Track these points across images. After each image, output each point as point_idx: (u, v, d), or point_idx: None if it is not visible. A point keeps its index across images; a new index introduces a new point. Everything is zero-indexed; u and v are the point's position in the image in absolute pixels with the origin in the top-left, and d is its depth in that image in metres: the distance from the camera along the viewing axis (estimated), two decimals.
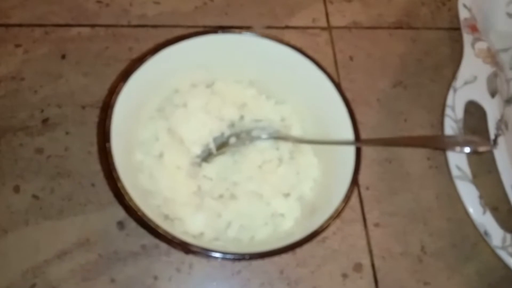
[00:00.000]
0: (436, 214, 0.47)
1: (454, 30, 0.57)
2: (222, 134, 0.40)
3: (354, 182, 0.34)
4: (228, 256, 0.31)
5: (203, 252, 0.31)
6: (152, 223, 0.31)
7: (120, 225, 0.42)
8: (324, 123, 0.39)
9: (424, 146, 0.46)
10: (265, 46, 0.40)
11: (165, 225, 0.32)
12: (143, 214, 0.31)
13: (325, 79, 0.38)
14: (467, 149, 0.30)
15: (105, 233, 0.41)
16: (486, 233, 0.43)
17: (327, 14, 0.56)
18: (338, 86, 0.38)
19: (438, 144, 0.38)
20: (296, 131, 0.41)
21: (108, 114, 0.32)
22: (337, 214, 0.32)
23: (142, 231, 0.41)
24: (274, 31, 0.53)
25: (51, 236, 0.41)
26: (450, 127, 0.46)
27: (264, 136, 0.40)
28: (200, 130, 0.39)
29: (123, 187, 0.31)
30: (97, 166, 0.44)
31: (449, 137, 0.40)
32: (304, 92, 0.40)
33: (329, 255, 0.43)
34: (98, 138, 0.44)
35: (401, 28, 0.57)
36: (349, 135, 0.36)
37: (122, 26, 0.51)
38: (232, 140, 0.40)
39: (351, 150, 0.35)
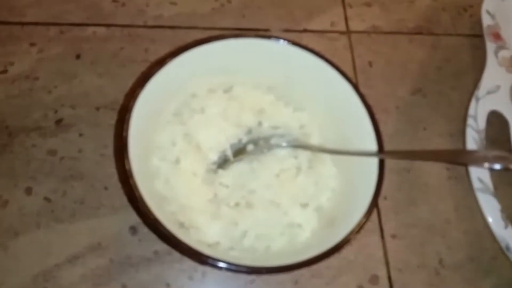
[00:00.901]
0: (455, 226, 0.46)
1: (476, 37, 0.56)
2: (240, 140, 0.40)
3: (377, 195, 0.33)
4: (242, 269, 0.30)
5: (217, 264, 0.30)
6: (166, 231, 0.30)
7: (133, 230, 0.41)
8: (345, 131, 0.38)
9: (450, 162, 0.45)
10: (285, 51, 0.39)
11: (180, 233, 0.31)
12: (159, 222, 0.30)
13: (346, 85, 0.37)
14: (497, 166, 0.29)
15: (117, 237, 0.41)
16: (507, 248, 0.42)
17: (346, 18, 0.55)
18: (360, 93, 0.37)
19: (465, 159, 0.37)
20: (315, 139, 0.40)
21: (126, 118, 0.31)
22: (358, 229, 0.31)
23: (154, 237, 0.41)
24: (292, 35, 0.52)
25: (63, 240, 0.40)
26: (472, 138, 0.45)
27: (283, 144, 0.39)
28: (217, 136, 0.38)
29: (139, 192, 0.30)
30: (110, 169, 0.43)
31: (476, 152, 0.39)
32: (324, 98, 0.39)
33: (345, 266, 0.42)
34: (115, 141, 0.44)
35: (421, 33, 0.56)
36: (372, 145, 0.35)
37: (138, 26, 0.50)
38: (250, 147, 0.39)
39: (373, 161, 0.34)
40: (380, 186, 0.33)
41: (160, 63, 0.34)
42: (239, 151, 0.39)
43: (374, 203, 0.33)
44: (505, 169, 0.28)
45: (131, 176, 0.30)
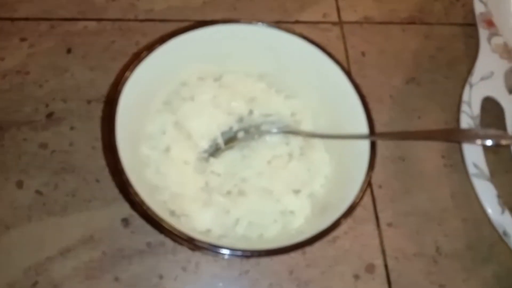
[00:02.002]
0: (452, 213, 0.45)
1: (468, 26, 0.55)
2: (231, 128, 0.39)
3: (368, 179, 0.33)
4: (235, 253, 0.30)
5: (210, 249, 0.29)
6: (157, 217, 0.30)
7: (125, 222, 0.41)
8: (337, 117, 0.38)
9: (442, 140, 0.44)
10: (276, 37, 0.39)
11: (171, 221, 0.31)
12: (148, 208, 0.29)
13: (338, 71, 0.37)
14: (489, 142, 0.28)
15: (109, 230, 0.40)
16: (505, 233, 0.41)
17: (338, 9, 0.55)
18: (351, 79, 0.37)
19: (457, 137, 0.36)
20: (307, 126, 0.40)
21: (113, 106, 0.31)
22: (349, 212, 0.31)
23: (147, 228, 0.40)
24: (284, 26, 0.51)
25: (55, 233, 0.40)
26: (467, 124, 0.45)
27: (274, 130, 0.39)
28: (208, 124, 0.38)
29: (128, 181, 0.30)
30: (102, 162, 0.43)
31: (468, 130, 0.38)
32: (316, 85, 0.39)
33: (341, 256, 0.42)
34: (103, 131, 0.43)
35: (414, 23, 0.56)
36: (363, 129, 0.35)
37: (129, 20, 0.50)
38: (241, 134, 0.39)
39: (365, 146, 0.34)
40: (371, 169, 0.33)
41: (148, 49, 0.33)
42: (230, 139, 0.39)
43: (365, 186, 0.32)
44: (496, 146, 0.28)
45: (121, 165, 0.30)
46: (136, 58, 0.33)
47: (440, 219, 0.45)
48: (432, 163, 0.47)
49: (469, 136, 0.32)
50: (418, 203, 0.45)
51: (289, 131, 0.39)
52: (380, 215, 0.44)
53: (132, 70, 0.32)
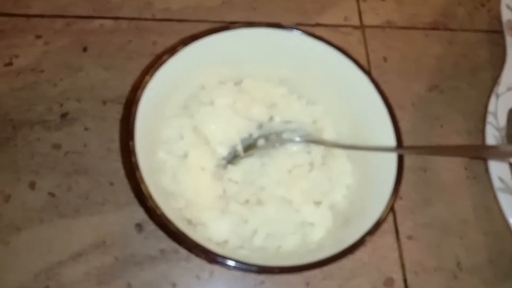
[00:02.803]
0: (473, 227, 0.44)
1: (494, 32, 0.54)
2: (250, 135, 0.38)
3: (395, 193, 0.31)
4: (252, 269, 0.29)
5: (227, 263, 0.28)
6: (174, 227, 0.29)
7: (139, 227, 0.40)
8: (361, 126, 0.37)
9: (470, 156, 0.43)
10: (299, 41, 0.37)
11: (187, 230, 0.30)
12: (167, 218, 0.28)
13: (363, 77, 0.36)
14: None
15: (122, 235, 0.39)
16: None
17: (359, 12, 0.53)
18: (377, 86, 0.35)
19: (485, 154, 0.35)
20: (329, 134, 0.39)
21: (132, 111, 0.30)
22: (375, 230, 0.30)
23: (161, 234, 0.39)
24: (303, 29, 0.50)
25: (66, 236, 0.39)
26: (492, 135, 0.43)
27: (296, 139, 0.37)
28: (227, 130, 0.37)
29: (146, 188, 0.29)
30: (116, 164, 0.42)
31: (496, 147, 0.37)
32: (338, 92, 0.38)
33: (358, 268, 0.40)
34: (121, 134, 0.42)
35: (437, 29, 0.54)
36: (390, 140, 0.34)
37: (146, 19, 0.49)
38: (261, 142, 0.38)
39: (391, 158, 0.33)
40: (398, 183, 0.32)
41: (169, 53, 0.32)
42: (250, 146, 0.38)
43: (392, 202, 0.31)
44: None
45: (138, 170, 0.29)
46: (157, 61, 0.32)
47: (461, 232, 0.44)
48: (454, 174, 0.46)
49: (498, 153, 0.31)
50: (439, 215, 0.44)
51: (312, 141, 0.37)
52: (400, 227, 0.43)
53: (152, 74, 0.31)
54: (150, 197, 0.30)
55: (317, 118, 0.39)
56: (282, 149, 0.37)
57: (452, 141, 0.47)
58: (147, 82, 0.31)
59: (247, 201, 0.35)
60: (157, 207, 0.29)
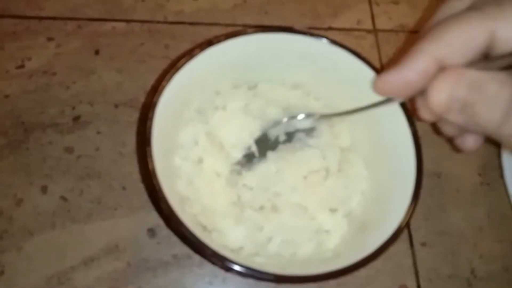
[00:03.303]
0: (488, 234, 0.43)
1: None
2: (264, 134, 0.37)
3: (415, 200, 0.31)
4: (269, 277, 0.28)
5: (245, 272, 0.28)
6: (191, 234, 0.29)
7: (151, 232, 0.39)
8: (377, 130, 0.36)
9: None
10: (313, 46, 0.37)
11: (203, 237, 0.29)
12: (183, 225, 0.28)
13: None
14: None
15: (135, 240, 0.39)
16: None
17: (372, 16, 0.53)
18: None
19: None
20: (345, 139, 0.38)
21: (149, 116, 0.29)
22: (395, 237, 0.29)
23: (173, 239, 0.39)
24: (316, 32, 0.50)
25: (78, 241, 0.39)
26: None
27: (303, 117, 0.36)
28: (240, 132, 0.36)
29: (162, 193, 0.29)
30: (128, 168, 0.41)
31: None
32: (354, 96, 0.37)
33: (372, 276, 0.40)
34: (137, 139, 0.42)
35: None
36: (407, 144, 0.33)
37: (158, 22, 0.49)
38: (275, 137, 0.37)
39: (410, 163, 0.32)
40: (418, 190, 0.31)
41: (186, 57, 0.32)
42: (264, 146, 0.37)
43: (412, 209, 0.31)
44: None
45: (155, 176, 0.28)
46: (174, 65, 0.32)
47: (476, 240, 0.43)
48: (468, 180, 0.45)
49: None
50: (453, 222, 0.43)
51: (322, 115, 0.36)
52: (414, 234, 0.42)
53: (169, 79, 0.31)
54: (167, 203, 0.29)
55: (333, 123, 0.39)
56: (297, 154, 0.36)
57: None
58: (164, 87, 0.31)
59: (262, 208, 0.35)
60: (174, 213, 0.29)
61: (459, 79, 0.25)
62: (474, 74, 0.25)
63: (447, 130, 0.31)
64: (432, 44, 0.26)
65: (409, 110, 0.35)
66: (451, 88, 0.25)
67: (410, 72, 0.27)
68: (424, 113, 0.29)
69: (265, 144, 0.37)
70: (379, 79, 0.29)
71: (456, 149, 0.35)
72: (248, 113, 0.38)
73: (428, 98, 0.26)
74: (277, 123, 0.38)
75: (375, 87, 0.30)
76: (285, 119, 0.38)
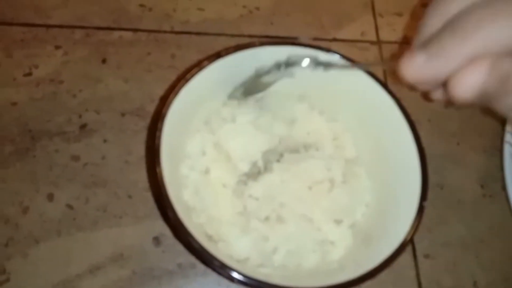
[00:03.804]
0: (490, 245, 0.44)
1: None
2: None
3: (420, 213, 0.31)
4: None
5: (253, 284, 0.28)
6: (198, 245, 0.29)
7: (156, 241, 0.40)
8: (382, 143, 0.37)
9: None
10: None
11: (209, 246, 0.30)
12: (190, 235, 0.28)
13: (385, 95, 0.36)
14: None
15: (140, 248, 0.39)
16: None
17: (376, 28, 0.53)
18: (400, 104, 0.35)
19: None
20: (349, 151, 0.39)
21: (158, 127, 0.30)
22: (401, 250, 0.29)
23: (178, 248, 0.39)
24: (321, 43, 0.50)
25: (84, 249, 0.39)
26: (510, 155, 0.43)
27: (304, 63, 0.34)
28: (248, 145, 0.37)
29: (170, 203, 0.29)
30: (134, 177, 0.42)
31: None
32: (358, 107, 0.38)
33: (375, 286, 0.40)
34: (146, 149, 0.42)
35: None
36: (412, 155, 0.33)
37: (165, 32, 0.49)
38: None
39: (415, 176, 0.32)
40: (424, 199, 0.31)
41: (195, 68, 0.32)
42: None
43: (418, 222, 0.31)
44: None
45: (163, 185, 0.29)
46: (183, 77, 0.32)
47: (478, 251, 0.43)
48: (470, 192, 0.46)
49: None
50: (456, 233, 0.44)
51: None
52: (417, 245, 0.43)
53: (177, 92, 0.31)
54: (174, 212, 0.29)
55: (337, 135, 0.39)
56: (303, 165, 0.37)
57: (469, 159, 0.47)
58: (173, 98, 0.31)
59: (267, 218, 0.35)
60: (181, 223, 0.29)
61: (490, 68, 0.25)
62: (506, 64, 0.25)
63: (423, 88, 0.30)
64: (471, 36, 0.26)
65: (412, 120, 0.35)
66: (481, 77, 0.25)
67: (446, 63, 0.26)
68: (438, 95, 0.29)
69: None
70: (410, 64, 0.28)
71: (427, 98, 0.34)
72: (257, 127, 0.38)
73: (454, 85, 0.26)
74: (282, 141, 0.38)
75: (404, 70, 0.28)
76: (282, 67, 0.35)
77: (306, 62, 0.33)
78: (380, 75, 0.50)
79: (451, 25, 0.26)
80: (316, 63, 0.33)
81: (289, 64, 0.34)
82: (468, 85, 0.25)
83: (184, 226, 0.29)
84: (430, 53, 0.26)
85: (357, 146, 0.39)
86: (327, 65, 0.33)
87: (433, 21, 0.27)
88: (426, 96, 0.33)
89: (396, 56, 0.31)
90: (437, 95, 0.29)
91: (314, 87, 0.39)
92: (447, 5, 0.27)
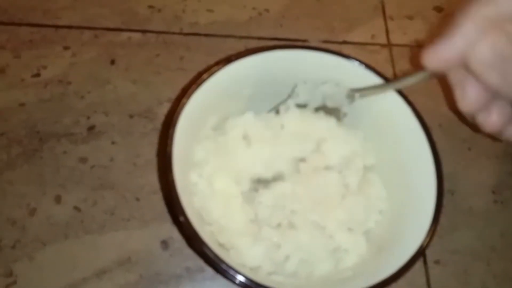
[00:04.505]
0: (501, 253, 0.43)
1: None
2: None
3: (436, 221, 0.31)
4: None
5: None
6: (211, 252, 0.28)
7: (164, 244, 0.39)
8: (397, 151, 0.36)
9: None
10: (330, 62, 0.37)
11: (221, 253, 0.29)
12: (204, 243, 0.28)
13: (400, 101, 0.35)
14: None
15: (147, 252, 0.39)
16: None
17: (387, 31, 0.53)
18: (416, 111, 0.35)
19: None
20: (370, 159, 0.38)
21: (170, 133, 0.29)
22: (415, 260, 0.29)
23: (186, 252, 0.39)
24: (331, 46, 0.50)
25: (91, 252, 0.38)
26: None
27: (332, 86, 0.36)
28: (257, 154, 0.36)
29: (182, 209, 0.28)
30: (142, 180, 0.41)
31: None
32: (376, 116, 0.37)
33: None
34: (158, 155, 0.42)
35: None
36: (428, 162, 0.33)
37: (174, 33, 0.49)
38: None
39: (430, 183, 0.32)
40: (439, 210, 0.31)
41: (207, 73, 0.32)
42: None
43: (433, 230, 0.31)
44: None
45: (175, 192, 0.28)
46: (195, 81, 0.32)
47: (489, 259, 0.43)
48: (481, 198, 0.45)
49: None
50: (467, 240, 0.43)
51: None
52: (427, 251, 0.42)
53: (189, 96, 0.31)
54: (189, 222, 0.29)
55: (356, 144, 0.38)
56: (315, 173, 0.36)
57: (479, 165, 0.47)
58: (184, 104, 0.31)
59: (279, 225, 0.35)
60: (195, 231, 0.29)
61: (500, 32, 0.25)
62: None
63: (474, 101, 0.31)
64: (482, 7, 0.26)
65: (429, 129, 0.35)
66: (493, 41, 0.26)
67: (462, 39, 0.27)
68: (463, 103, 0.31)
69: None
70: (432, 51, 0.29)
71: (477, 130, 0.34)
72: (272, 144, 0.37)
73: (473, 58, 0.27)
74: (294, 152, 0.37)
75: (426, 60, 0.30)
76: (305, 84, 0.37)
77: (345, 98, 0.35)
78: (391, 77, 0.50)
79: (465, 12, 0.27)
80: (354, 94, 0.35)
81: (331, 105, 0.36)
82: (486, 53, 0.26)
83: (198, 235, 0.28)
84: (447, 35, 0.27)
85: (377, 155, 0.38)
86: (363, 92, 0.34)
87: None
88: (474, 127, 0.34)
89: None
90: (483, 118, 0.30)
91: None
92: None
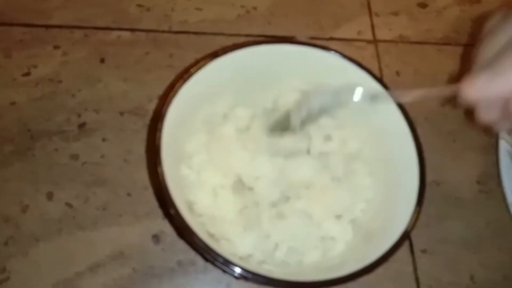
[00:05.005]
0: (487, 242, 0.44)
1: None
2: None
3: (418, 209, 0.32)
4: (282, 285, 0.29)
5: (255, 279, 0.28)
6: (202, 242, 0.29)
7: (156, 238, 0.40)
8: (382, 141, 0.37)
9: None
10: (320, 57, 0.38)
11: (211, 244, 0.30)
12: (194, 233, 0.29)
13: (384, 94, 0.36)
14: None
15: (140, 246, 0.39)
16: None
17: (372, 27, 0.54)
18: (400, 104, 0.36)
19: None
20: (352, 146, 0.39)
21: (158, 127, 0.30)
22: (399, 244, 0.30)
23: (178, 245, 0.40)
24: (318, 42, 0.51)
25: (84, 248, 0.39)
26: (506, 151, 0.44)
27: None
28: (246, 146, 0.37)
29: (172, 201, 0.29)
30: (134, 175, 0.42)
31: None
32: (360, 106, 0.38)
33: (373, 282, 0.40)
34: (147, 149, 0.43)
35: (449, 44, 0.55)
36: (412, 156, 0.34)
37: (163, 31, 0.49)
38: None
39: (413, 172, 0.33)
40: (421, 199, 0.32)
41: (194, 67, 0.33)
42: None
43: (415, 218, 0.31)
44: None
45: (165, 184, 0.29)
46: (182, 76, 0.32)
47: (476, 248, 0.44)
48: (467, 188, 0.46)
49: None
50: (453, 229, 0.44)
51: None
52: (414, 241, 0.43)
53: (177, 90, 0.32)
54: (178, 213, 0.30)
55: (345, 137, 0.39)
56: (302, 163, 0.37)
57: (466, 156, 0.48)
58: (171, 98, 0.31)
59: (268, 215, 0.35)
60: (185, 222, 0.29)
61: None
62: None
63: (496, 117, 0.32)
64: None
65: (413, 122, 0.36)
66: None
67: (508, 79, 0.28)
68: (485, 119, 0.32)
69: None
70: (473, 85, 0.29)
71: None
72: (254, 128, 0.38)
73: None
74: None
75: (465, 91, 0.30)
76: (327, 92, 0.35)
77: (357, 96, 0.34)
78: (376, 73, 0.51)
79: (509, 48, 0.28)
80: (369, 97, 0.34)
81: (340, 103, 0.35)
82: None
83: (188, 226, 0.29)
84: (492, 72, 0.28)
85: (357, 143, 0.39)
86: (375, 98, 0.34)
87: (487, 50, 0.30)
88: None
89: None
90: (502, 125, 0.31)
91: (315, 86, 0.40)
92: (497, 36, 0.30)
